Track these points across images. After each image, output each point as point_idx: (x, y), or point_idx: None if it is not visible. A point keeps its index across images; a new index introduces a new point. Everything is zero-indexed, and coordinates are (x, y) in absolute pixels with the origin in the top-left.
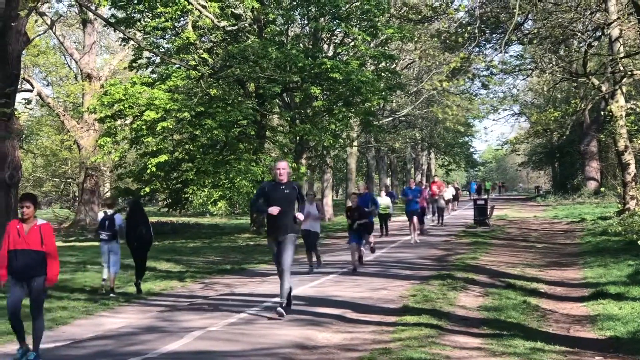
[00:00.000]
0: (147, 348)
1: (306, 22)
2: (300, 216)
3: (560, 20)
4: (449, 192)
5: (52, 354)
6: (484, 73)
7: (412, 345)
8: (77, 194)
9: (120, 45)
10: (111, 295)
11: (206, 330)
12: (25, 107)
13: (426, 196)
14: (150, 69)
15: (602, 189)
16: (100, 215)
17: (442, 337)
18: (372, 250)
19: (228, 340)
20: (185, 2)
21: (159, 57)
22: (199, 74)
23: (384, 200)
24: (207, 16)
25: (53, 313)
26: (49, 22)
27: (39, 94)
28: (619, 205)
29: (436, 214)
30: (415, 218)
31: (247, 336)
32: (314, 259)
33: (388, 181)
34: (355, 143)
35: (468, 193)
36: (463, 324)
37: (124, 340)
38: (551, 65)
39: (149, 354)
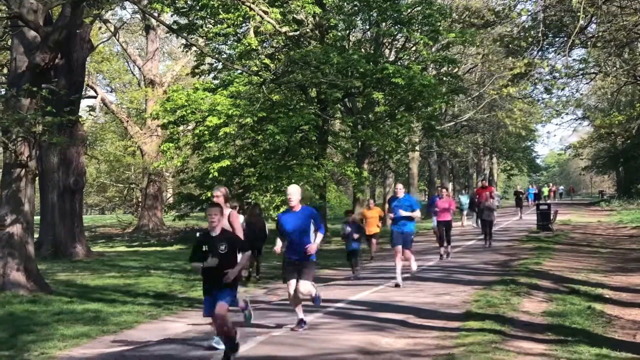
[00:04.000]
0: (211, 352)
1: (368, 27)
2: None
3: (624, 23)
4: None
5: (118, 357)
6: (547, 77)
7: (475, 351)
8: (140, 199)
9: (183, 51)
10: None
11: (270, 335)
12: (90, 114)
13: (453, 208)
14: (212, 75)
15: None
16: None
17: (505, 342)
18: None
19: (292, 345)
20: (247, 9)
21: (221, 63)
22: (261, 80)
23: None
24: (268, 22)
25: (118, 317)
26: (112, 29)
27: (102, 101)
28: None
29: (480, 227)
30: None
31: (311, 341)
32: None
33: (450, 186)
34: (417, 148)
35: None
36: (527, 329)
37: (189, 344)
38: (615, 68)
39: (213, 358)
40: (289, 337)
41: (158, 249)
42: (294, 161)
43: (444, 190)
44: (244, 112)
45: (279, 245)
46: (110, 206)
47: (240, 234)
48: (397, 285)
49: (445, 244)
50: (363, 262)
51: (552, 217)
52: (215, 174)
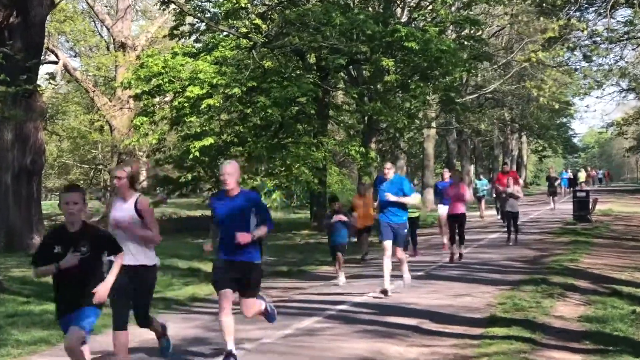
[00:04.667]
0: None
1: None
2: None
3: None
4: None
5: None
6: (586, 42)
7: None
8: (108, 183)
9: (159, 9)
10: None
11: (259, 342)
12: (50, 82)
13: (467, 197)
14: (194, 38)
15: None
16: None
17: (535, 352)
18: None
19: (285, 354)
20: None
21: (204, 24)
22: (251, 43)
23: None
24: None
25: None
26: None
27: (65, 67)
28: None
29: (504, 218)
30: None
31: (307, 349)
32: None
33: (472, 169)
34: (433, 124)
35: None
36: (561, 337)
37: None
38: None
39: None
40: (281, 345)
41: None
42: (289, 139)
43: (446, 172)
44: (230, 82)
45: (209, 242)
46: None
47: (155, 228)
48: (384, 292)
49: (456, 243)
50: (367, 257)
51: (591, 207)
52: (197, 153)
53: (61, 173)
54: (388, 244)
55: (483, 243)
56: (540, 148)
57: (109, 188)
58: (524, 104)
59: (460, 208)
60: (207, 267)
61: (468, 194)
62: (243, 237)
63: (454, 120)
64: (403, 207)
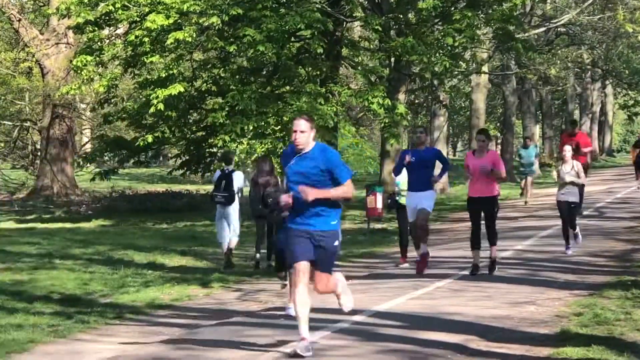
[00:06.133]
0: None
1: None
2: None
3: None
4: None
5: None
6: None
7: None
8: (38, 147)
9: None
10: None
11: None
12: None
13: (502, 173)
14: None
15: None
16: (217, 173)
17: None
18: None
19: None
20: None
21: None
22: None
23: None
24: None
25: (2, 334)
26: None
27: None
28: None
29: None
30: None
31: None
32: None
33: (537, 130)
34: (485, 68)
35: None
36: None
37: None
38: None
39: None
40: None
41: (67, 225)
42: (287, 87)
43: (481, 138)
44: (207, 8)
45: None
46: None
47: None
48: (295, 356)
49: (484, 244)
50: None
51: None
52: (160, 106)
53: None
54: (301, 266)
55: (550, 232)
56: (631, 102)
57: (38, 153)
58: (609, 41)
59: (491, 189)
60: (173, 262)
61: (503, 168)
62: (306, 192)
63: (514, 64)
64: (334, 204)
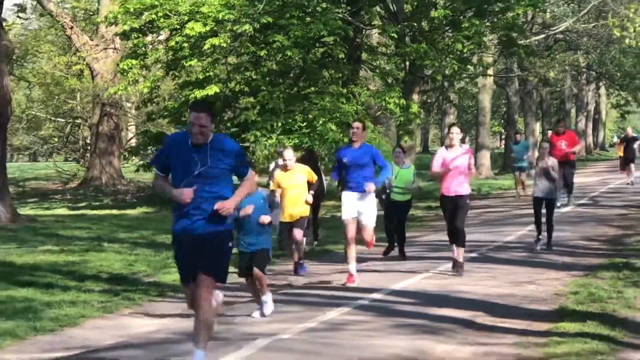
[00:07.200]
0: None
1: None
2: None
3: None
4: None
5: None
6: None
7: None
8: (88, 141)
9: None
10: None
11: (275, 338)
12: (18, 17)
13: (473, 170)
14: None
15: None
16: (272, 166)
17: (615, 353)
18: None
19: (306, 353)
20: None
21: None
22: None
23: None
24: None
25: (57, 310)
26: None
27: None
28: None
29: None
30: None
31: (333, 347)
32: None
33: (537, 127)
34: (490, 71)
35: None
36: None
37: (157, 350)
38: None
39: None
40: (302, 342)
41: (114, 212)
42: (312, 88)
43: (454, 132)
44: (240, 17)
45: None
46: (46, 150)
47: None
48: None
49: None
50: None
51: None
52: None
53: (31, 128)
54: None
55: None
56: (622, 102)
57: (88, 147)
58: (603, 46)
59: (461, 187)
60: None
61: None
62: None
63: (516, 67)
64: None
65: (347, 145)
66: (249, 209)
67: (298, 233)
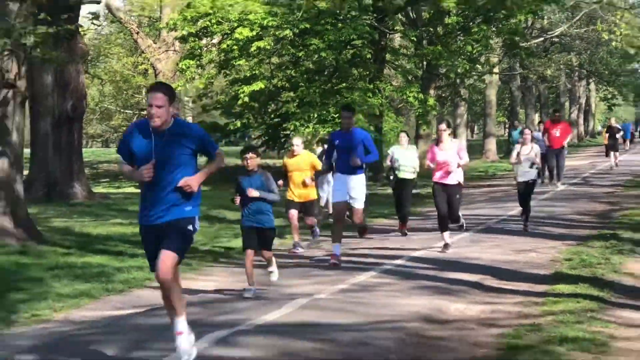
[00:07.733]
0: (239, 318)
1: None
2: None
3: None
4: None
5: (126, 322)
6: None
7: (566, 321)
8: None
9: None
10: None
11: (312, 297)
12: (92, 23)
13: (465, 160)
14: None
15: None
16: (318, 151)
17: (604, 311)
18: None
19: (339, 311)
20: None
21: None
22: None
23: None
24: None
25: (126, 274)
26: None
27: (108, 7)
28: None
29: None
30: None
31: (363, 306)
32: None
33: (536, 117)
34: (496, 70)
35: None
36: (631, 295)
37: (212, 308)
38: None
39: (242, 325)
40: (335, 301)
41: None
42: (344, 84)
43: (444, 129)
44: (282, 23)
45: None
46: (116, 137)
47: None
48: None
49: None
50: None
51: None
52: (246, 99)
53: (103, 119)
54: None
55: (548, 196)
56: (609, 96)
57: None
58: (592, 48)
59: (452, 176)
60: None
61: (466, 157)
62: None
63: (518, 66)
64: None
65: (339, 130)
66: (254, 192)
67: (310, 220)
